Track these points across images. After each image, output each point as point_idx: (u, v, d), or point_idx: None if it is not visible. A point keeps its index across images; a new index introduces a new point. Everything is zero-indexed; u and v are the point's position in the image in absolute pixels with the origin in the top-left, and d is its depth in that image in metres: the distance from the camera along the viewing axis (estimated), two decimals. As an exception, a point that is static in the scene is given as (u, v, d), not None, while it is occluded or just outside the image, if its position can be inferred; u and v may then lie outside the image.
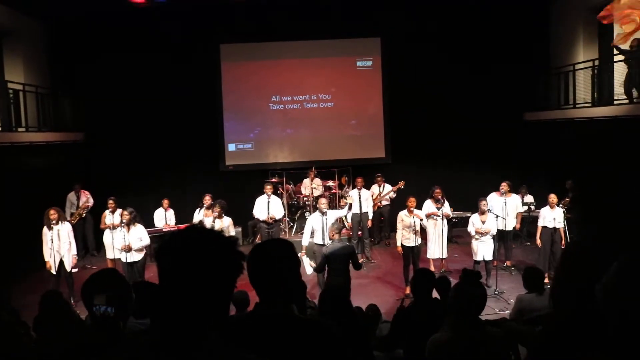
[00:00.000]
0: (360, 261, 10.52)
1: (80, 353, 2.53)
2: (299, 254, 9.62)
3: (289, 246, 2.11)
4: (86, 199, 11.84)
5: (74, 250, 8.98)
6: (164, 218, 11.35)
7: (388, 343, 4.44)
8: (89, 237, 11.99)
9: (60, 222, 8.75)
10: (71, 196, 11.93)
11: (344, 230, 11.39)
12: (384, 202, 12.27)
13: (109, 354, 1.47)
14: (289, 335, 1.92)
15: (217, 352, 1.39)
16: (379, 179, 12.28)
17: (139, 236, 8.72)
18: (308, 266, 8.40)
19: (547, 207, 9.47)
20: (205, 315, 1.40)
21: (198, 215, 10.72)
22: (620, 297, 1.67)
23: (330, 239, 7.81)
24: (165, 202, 11.44)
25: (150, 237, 9.78)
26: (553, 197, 9.47)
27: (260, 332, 1.92)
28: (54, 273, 8.72)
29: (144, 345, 1.41)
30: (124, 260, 8.67)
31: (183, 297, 1.38)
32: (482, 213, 9.20)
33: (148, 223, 10.92)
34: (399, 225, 9.26)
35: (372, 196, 11.91)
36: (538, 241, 9.58)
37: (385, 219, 12.37)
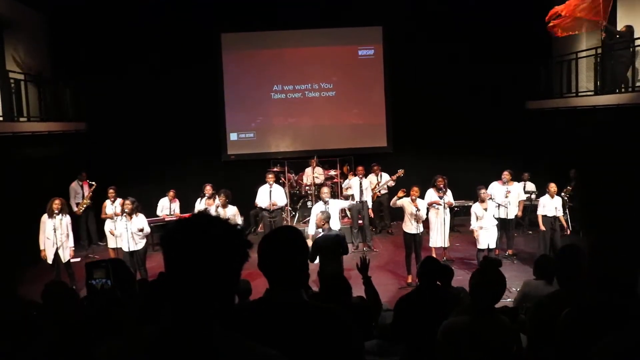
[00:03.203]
0: (363, 250, 10.67)
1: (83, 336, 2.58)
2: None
3: (299, 233, 2.17)
4: (89, 189, 11.83)
5: (71, 243, 8.91)
6: (169, 209, 11.37)
7: (393, 333, 4.44)
8: (91, 227, 12.00)
9: (62, 213, 8.74)
10: (74, 185, 11.93)
11: (345, 219, 11.49)
12: (383, 191, 12.28)
13: (113, 343, 1.47)
14: (301, 322, 1.95)
15: (223, 341, 1.39)
16: (375, 168, 12.29)
17: (141, 226, 8.75)
18: None
19: (547, 196, 9.47)
20: (211, 304, 1.40)
21: (199, 205, 10.75)
22: None
23: (319, 228, 7.93)
24: (171, 193, 11.46)
25: (152, 227, 9.85)
26: (553, 186, 9.46)
27: (272, 317, 1.96)
28: (50, 263, 8.69)
29: (151, 335, 1.41)
30: (125, 249, 8.71)
31: (189, 285, 1.38)
32: (483, 201, 9.20)
33: (150, 213, 10.96)
34: (398, 203, 9.32)
35: (370, 185, 11.94)
36: (542, 227, 9.56)
37: (384, 208, 12.38)
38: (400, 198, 9.30)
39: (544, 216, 9.48)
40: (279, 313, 1.97)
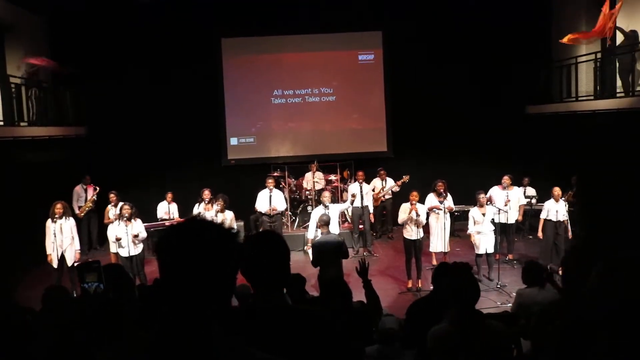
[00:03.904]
0: (364, 254, 10.65)
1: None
2: (305, 247, 9.73)
3: (280, 237, 2.17)
4: (93, 193, 11.85)
5: (77, 246, 8.99)
6: (168, 211, 11.37)
7: (404, 338, 4.41)
8: (93, 231, 12.00)
9: (64, 217, 8.77)
10: (78, 189, 11.94)
11: (345, 224, 11.44)
12: (387, 196, 12.25)
13: (114, 346, 1.47)
14: (284, 325, 1.95)
15: (222, 343, 1.39)
16: (381, 172, 12.23)
17: (137, 232, 8.81)
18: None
19: (552, 200, 9.47)
20: (207, 306, 1.40)
21: (197, 210, 10.75)
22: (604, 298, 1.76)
23: (318, 229, 7.93)
24: (169, 195, 11.47)
25: (152, 231, 9.86)
26: (557, 190, 9.47)
27: (256, 321, 1.96)
28: (55, 267, 8.75)
29: (149, 340, 1.41)
30: (124, 254, 8.73)
31: (184, 290, 1.38)
32: (482, 206, 9.19)
33: (150, 217, 10.95)
34: (402, 215, 9.21)
35: (374, 190, 11.89)
36: (540, 234, 9.58)
37: (387, 213, 12.35)
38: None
39: (548, 220, 9.47)
40: (262, 317, 1.97)
